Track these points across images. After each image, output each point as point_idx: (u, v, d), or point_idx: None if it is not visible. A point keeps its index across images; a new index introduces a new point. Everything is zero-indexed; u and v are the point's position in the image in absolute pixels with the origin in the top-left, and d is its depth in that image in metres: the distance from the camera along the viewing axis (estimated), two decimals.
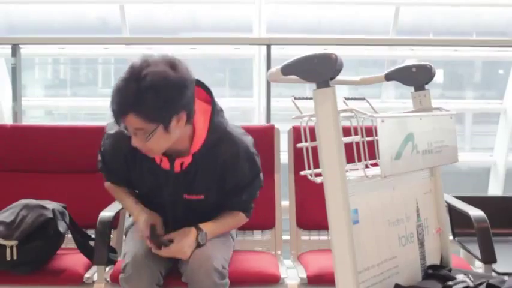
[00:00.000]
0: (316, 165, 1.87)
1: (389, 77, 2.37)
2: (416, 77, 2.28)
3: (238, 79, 7.41)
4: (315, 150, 1.88)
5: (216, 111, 2.57)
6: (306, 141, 1.95)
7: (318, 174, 1.88)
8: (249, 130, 2.94)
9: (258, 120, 5.75)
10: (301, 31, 6.79)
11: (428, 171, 2.32)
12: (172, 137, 2.39)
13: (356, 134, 1.99)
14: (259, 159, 2.79)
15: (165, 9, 6.89)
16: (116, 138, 2.66)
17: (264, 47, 4.70)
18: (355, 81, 2.40)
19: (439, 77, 8.93)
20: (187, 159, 2.59)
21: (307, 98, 1.97)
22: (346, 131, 1.97)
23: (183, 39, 5.80)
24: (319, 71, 1.81)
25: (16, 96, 4.67)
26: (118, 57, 7.14)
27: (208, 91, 2.59)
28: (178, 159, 2.55)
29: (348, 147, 1.91)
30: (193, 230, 2.63)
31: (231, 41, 5.46)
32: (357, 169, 2.01)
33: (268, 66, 4.54)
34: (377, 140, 1.90)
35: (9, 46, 4.75)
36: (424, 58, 7.46)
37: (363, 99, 2.24)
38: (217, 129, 2.57)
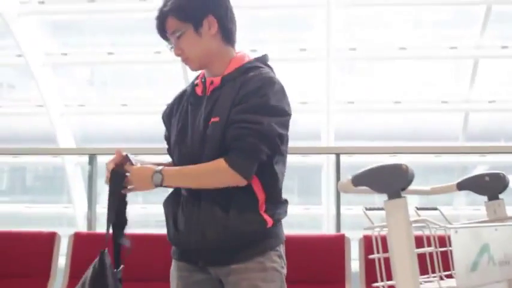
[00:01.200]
0: (389, 277, 1.85)
1: (461, 186, 2.34)
2: (489, 187, 2.25)
3: (306, 186, 7.45)
4: (387, 261, 1.86)
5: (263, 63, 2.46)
6: (378, 252, 1.93)
7: (391, 287, 1.85)
8: (319, 239, 2.93)
9: (327, 228, 5.72)
10: (369, 138, 6.84)
11: (506, 283, 2.24)
12: (204, 43, 2.38)
13: (429, 244, 1.96)
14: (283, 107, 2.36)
15: None
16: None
17: (333, 155, 4.73)
18: (426, 191, 2.37)
19: None
20: (217, 81, 2.41)
21: (378, 209, 1.96)
22: (419, 240, 1.95)
23: None
24: (390, 182, 1.80)
25: (91, 204, 4.79)
26: None
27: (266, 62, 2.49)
28: (209, 78, 2.42)
29: (421, 257, 1.88)
30: (150, 167, 2.35)
31: (300, 150, 5.46)
32: (431, 281, 1.97)
33: (338, 175, 4.55)
34: (451, 251, 1.87)
35: (87, 155, 4.95)
36: (496, 164, 7.43)
37: (435, 208, 2.22)
38: (254, 67, 2.40)
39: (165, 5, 2.41)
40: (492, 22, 6.27)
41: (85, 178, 5.78)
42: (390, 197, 1.82)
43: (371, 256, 1.93)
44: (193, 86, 2.47)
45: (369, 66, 7.34)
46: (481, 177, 2.29)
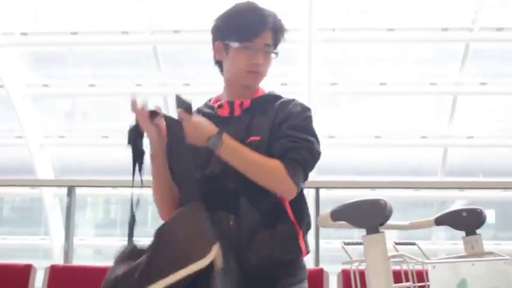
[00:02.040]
0: None
1: (439, 221, 2.35)
2: (467, 222, 2.26)
3: None
4: None
5: None
6: (356, 287, 1.94)
7: None
8: None
9: (306, 262, 5.67)
10: (350, 172, 6.86)
11: None
12: (268, 67, 2.41)
13: (407, 279, 1.96)
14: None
15: None
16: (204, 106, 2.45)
17: (313, 190, 4.73)
18: (405, 226, 2.38)
19: (490, 217, 8.80)
20: (246, 102, 2.38)
21: (357, 243, 1.96)
22: (397, 275, 1.95)
23: None
24: (368, 217, 1.81)
25: (68, 236, 4.75)
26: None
27: None
28: (238, 100, 2.36)
29: None
30: (212, 125, 2.20)
31: None
32: None
33: (317, 209, 4.55)
34: (429, 286, 1.87)
35: (65, 187, 4.91)
36: (474, 199, 7.48)
37: (414, 244, 2.22)
38: (280, 95, 2.44)
39: (275, 16, 2.37)
40: (471, 59, 6.37)
41: (63, 210, 5.72)
42: (368, 232, 1.83)
43: None
44: (212, 108, 2.39)
45: (350, 101, 7.41)
46: (458, 212, 2.30)
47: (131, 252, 2.02)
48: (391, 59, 6.98)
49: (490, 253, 2.22)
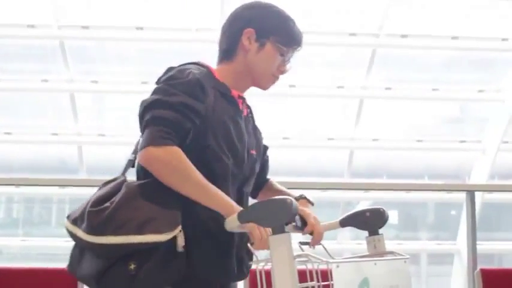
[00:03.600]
0: None
1: (344, 223, 2.40)
2: (370, 222, 2.32)
3: None
4: None
5: None
6: (261, 286, 1.95)
7: None
8: None
9: None
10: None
11: None
12: None
13: (312, 278, 2.00)
14: None
15: (124, 150, 6.95)
16: (209, 77, 2.09)
17: None
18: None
19: (393, 218, 9.08)
20: (243, 101, 2.20)
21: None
22: (302, 274, 1.98)
23: None
24: (275, 216, 1.84)
25: None
26: (73, 197, 7.11)
27: None
28: (238, 92, 2.15)
29: None
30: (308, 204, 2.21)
31: None
32: None
33: None
34: (333, 285, 1.91)
35: None
36: (378, 200, 7.68)
37: (319, 244, 2.26)
38: None
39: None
40: (377, 64, 6.54)
41: None
42: (274, 232, 1.85)
43: None
44: (228, 90, 2.12)
45: (258, 103, 7.45)
46: (362, 213, 2.36)
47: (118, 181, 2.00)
48: (300, 61, 7.08)
49: (391, 252, 2.29)
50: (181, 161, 1.89)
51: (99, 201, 1.92)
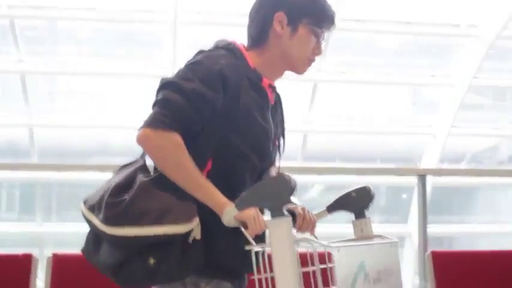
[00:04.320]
0: None
1: (331, 209, 2.36)
2: (356, 203, 2.28)
3: None
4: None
5: None
6: (265, 271, 1.93)
7: None
8: None
9: None
10: None
11: None
12: None
13: (312, 262, 1.97)
14: None
15: (77, 133, 6.84)
16: (241, 65, 1.99)
17: None
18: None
19: None
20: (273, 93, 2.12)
21: None
22: (301, 258, 1.97)
23: (92, 166, 5.61)
24: (277, 194, 1.77)
25: None
26: (24, 181, 6.95)
27: None
28: (268, 81, 2.06)
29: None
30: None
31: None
32: None
33: None
34: (330, 268, 1.91)
35: None
36: (331, 184, 7.75)
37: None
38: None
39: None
40: (331, 48, 6.56)
41: None
42: (274, 215, 1.79)
43: (256, 277, 1.92)
44: (260, 79, 2.03)
45: None
46: (347, 195, 2.34)
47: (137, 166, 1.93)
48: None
49: (379, 236, 2.29)
50: (176, 148, 1.84)
51: (117, 190, 1.85)
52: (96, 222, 1.86)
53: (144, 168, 1.92)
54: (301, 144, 7.16)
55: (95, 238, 1.91)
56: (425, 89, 7.72)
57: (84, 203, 1.92)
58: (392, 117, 7.47)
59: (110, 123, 6.74)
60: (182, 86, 1.86)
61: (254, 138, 1.97)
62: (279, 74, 2.11)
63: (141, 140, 1.85)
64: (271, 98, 2.08)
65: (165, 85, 1.89)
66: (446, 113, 7.18)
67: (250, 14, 2.09)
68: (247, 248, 1.90)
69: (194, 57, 1.97)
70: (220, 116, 1.89)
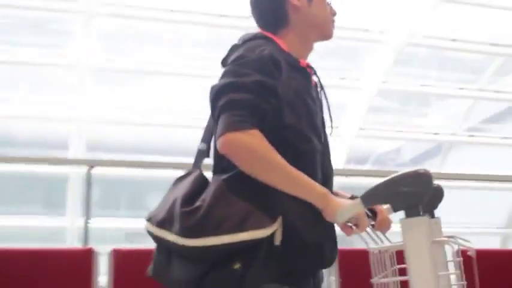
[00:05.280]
0: None
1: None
2: (429, 201, 1.86)
3: (53, 198, 7.17)
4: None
5: None
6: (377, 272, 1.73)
7: None
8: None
9: (71, 241, 5.55)
10: (123, 151, 6.77)
11: None
12: None
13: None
14: None
15: None
16: (278, 49, 1.92)
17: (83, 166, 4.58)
18: None
19: None
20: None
21: None
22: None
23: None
24: (416, 192, 1.61)
25: None
26: None
27: None
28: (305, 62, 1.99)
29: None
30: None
31: (48, 160, 5.07)
32: None
33: (89, 187, 4.43)
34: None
35: None
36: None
37: None
38: None
39: None
40: None
41: None
42: (408, 215, 1.64)
43: (373, 280, 1.80)
44: (297, 61, 1.93)
45: (125, 80, 7.29)
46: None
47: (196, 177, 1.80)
48: (170, 39, 6.98)
49: (452, 237, 2.04)
50: (263, 145, 1.70)
51: (188, 199, 1.72)
52: (171, 237, 1.71)
53: (203, 177, 1.81)
54: None
55: (166, 256, 1.76)
56: (334, 91, 7.82)
57: (149, 219, 1.78)
58: None
59: (15, 114, 6.58)
60: (242, 82, 1.76)
61: (311, 122, 1.88)
62: (310, 49, 2.05)
63: (226, 147, 1.71)
64: (313, 78, 1.99)
65: (223, 89, 1.77)
66: (354, 115, 7.33)
67: (252, 3, 2.05)
68: (369, 248, 1.81)
69: (232, 53, 1.88)
70: (279, 101, 1.79)
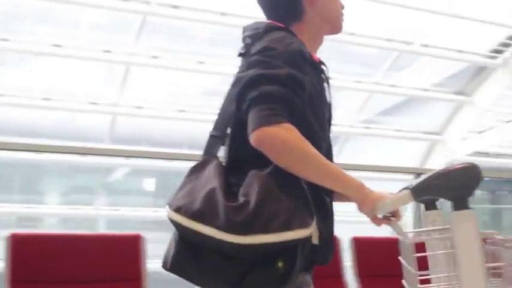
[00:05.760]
0: None
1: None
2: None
3: None
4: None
5: None
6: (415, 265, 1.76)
7: None
8: None
9: None
10: (16, 134, 6.58)
11: None
12: None
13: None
14: None
15: None
16: (301, 44, 1.89)
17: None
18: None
19: (150, 185, 9.19)
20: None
21: None
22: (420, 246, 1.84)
23: None
24: (465, 185, 1.63)
25: None
26: None
27: None
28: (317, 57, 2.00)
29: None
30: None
31: None
32: None
33: None
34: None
35: None
36: (138, 167, 7.71)
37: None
38: None
39: None
40: (146, 32, 6.52)
41: None
42: (457, 208, 1.65)
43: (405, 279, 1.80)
44: (310, 54, 1.92)
45: (19, 60, 7.06)
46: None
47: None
48: (65, 21, 6.81)
49: None
50: (299, 139, 1.69)
51: (226, 192, 1.66)
52: (210, 231, 1.61)
53: (222, 166, 1.78)
54: (109, 126, 7.05)
55: (195, 251, 1.67)
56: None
57: (177, 210, 1.68)
58: (202, 105, 7.52)
59: None
60: (274, 75, 1.73)
61: (322, 116, 1.90)
62: (320, 43, 2.06)
63: (260, 142, 1.68)
64: (324, 73, 2.00)
65: (253, 81, 1.74)
66: None
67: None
68: (404, 240, 1.82)
69: (253, 44, 1.86)
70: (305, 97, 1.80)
